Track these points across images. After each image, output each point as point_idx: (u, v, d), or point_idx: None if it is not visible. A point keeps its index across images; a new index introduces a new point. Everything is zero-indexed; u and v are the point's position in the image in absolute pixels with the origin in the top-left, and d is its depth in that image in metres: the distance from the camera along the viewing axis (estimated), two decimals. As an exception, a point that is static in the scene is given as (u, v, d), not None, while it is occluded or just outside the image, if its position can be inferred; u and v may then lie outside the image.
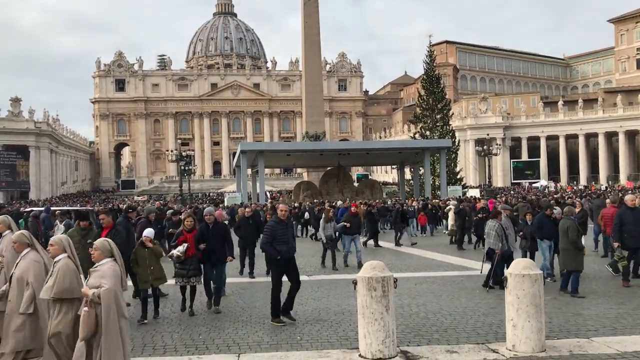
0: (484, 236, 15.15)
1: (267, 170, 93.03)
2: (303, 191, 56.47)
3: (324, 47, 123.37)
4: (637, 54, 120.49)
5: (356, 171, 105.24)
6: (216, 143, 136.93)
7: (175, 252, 11.54)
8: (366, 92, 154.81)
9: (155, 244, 11.62)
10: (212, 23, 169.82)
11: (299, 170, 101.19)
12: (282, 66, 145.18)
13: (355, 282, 8.13)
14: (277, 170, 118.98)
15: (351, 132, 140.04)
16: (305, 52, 68.68)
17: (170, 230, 17.33)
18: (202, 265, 11.86)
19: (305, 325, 10.31)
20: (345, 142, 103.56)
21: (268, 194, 69.77)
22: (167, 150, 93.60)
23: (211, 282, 12.07)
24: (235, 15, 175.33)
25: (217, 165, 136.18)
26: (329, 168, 60.94)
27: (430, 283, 14.75)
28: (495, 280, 13.26)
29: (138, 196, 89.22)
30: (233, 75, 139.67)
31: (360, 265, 15.68)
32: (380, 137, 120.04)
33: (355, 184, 65.24)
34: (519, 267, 8.18)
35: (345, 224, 19.06)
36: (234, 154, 75.09)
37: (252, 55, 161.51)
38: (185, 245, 11.54)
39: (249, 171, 60.50)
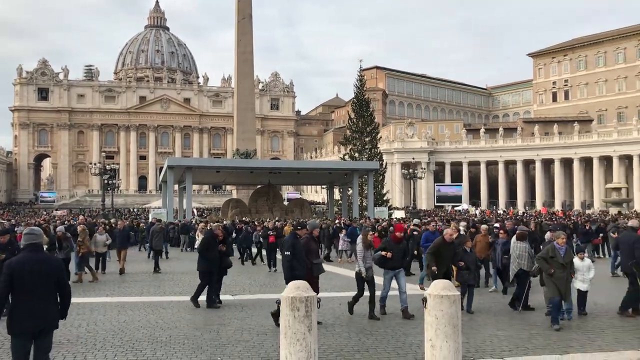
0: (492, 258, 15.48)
1: (195, 187, 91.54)
2: (232, 209, 55.80)
3: (257, 65, 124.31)
4: (554, 87, 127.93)
5: (287, 190, 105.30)
6: (143, 157, 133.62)
7: None
8: (298, 112, 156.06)
9: None
10: (143, 35, 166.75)
11: (228, 187, 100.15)
12: (214, 82, 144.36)
13: (278, 303, 8.10)
14: (206, 187, 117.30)
15: (282, 151, 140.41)
16: (238, 69, 68.52)
17: None
18: None
19: (227, 346, 10.15)
20: (276, 160, 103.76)
21: (195, 211, 68.52)
22: (91, 163, 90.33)
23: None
24: (168, 28, 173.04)
25: (142, 180, 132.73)
26: (259, 186, 60.63)
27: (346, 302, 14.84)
28: (525, 303, 13.38)
29: (57, 210, 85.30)
30: (163, 89, 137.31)
31: (406, 314, 12.62)
32: (311, 157, 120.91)
33: (286, 203, 65.23)
34: (438, 288, 8.40)
35: (384, 253, 12.91)
36: (161, 168, 73.37)
37: (184, 70, 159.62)
38: None
39: (176, 187, 59.24)
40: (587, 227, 27.77)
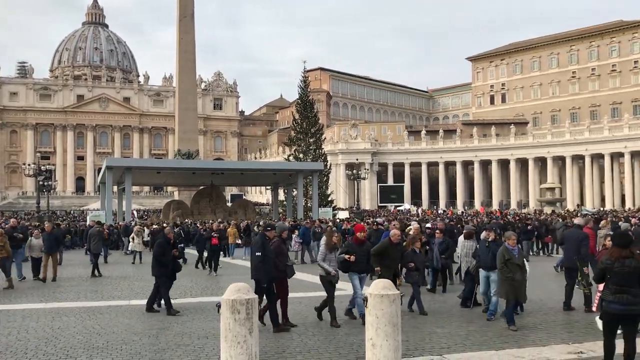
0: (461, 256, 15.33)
1: (135, 188, 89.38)
2: (173, 210, 54.84)
3: (199, 64, 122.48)
4: (491, 90, 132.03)
5: (230, 191, 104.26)
6: (80, 158, 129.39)
7: None
8: (242, 112, 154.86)
9: None
10: (81, 32, 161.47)
11: (170, 188, 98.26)
12: (155, 81, 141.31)
13: (218, 305, 7.99)
14: (147, 188, 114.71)
15: (226, 151, 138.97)
16: (179, 68, 67.40)
17: None
18: None
19: (166, 350, 9.94)
20: (219, 161, 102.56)
21: (135, 212, 66.92)
22: (25, 164, 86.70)
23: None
24: (107, 26, 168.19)
25: (80, 181, 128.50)
26: (201, 187, 59.81)
27: (297, 304, 14.82)
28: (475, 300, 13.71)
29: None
30: (102, 87, 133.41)
31: (350, 315, 12.62)
32: (256, 158, 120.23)
33: (229, 204, 64.59)
34: (378, 288, 8.49)
35: (347, 256, 12.25)
36: (100, 169, 71.24)
37: (124, 69, 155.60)
38: None
39: (116, 188, 57.69)
40: (528, 226, 28.68)
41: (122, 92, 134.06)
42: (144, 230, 32.33)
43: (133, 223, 39.67)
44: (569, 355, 9.20)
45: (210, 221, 36.19)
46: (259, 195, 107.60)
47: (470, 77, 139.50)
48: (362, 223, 18.90)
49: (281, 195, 66.63)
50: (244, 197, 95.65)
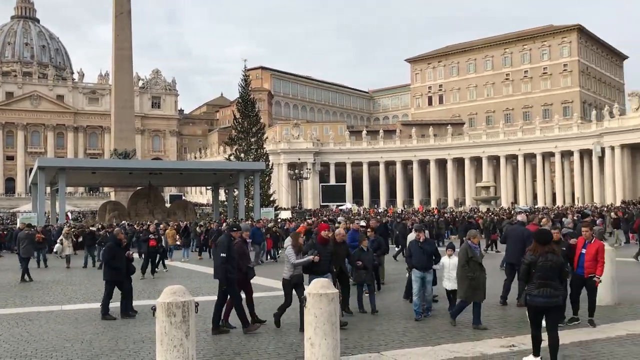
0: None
1: (69, 189, 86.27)
2: (109, 212, 53.33)
3: (137, 62, 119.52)
4: (429, 92, 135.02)
5: (169, 192, 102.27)
6: (10, 157, 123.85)
7: None
8: (181, 111, 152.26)
9: None
10: (9, 26, 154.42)
11: (106, 189, 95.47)
12: (91, 78, 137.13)
13: (154, 309, 7.81)
14: (82, 189, 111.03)
15: (165, 151, 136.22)
16: (115, 66, 65.61)
17: None
18: None
19: (100, 356, 9.64)
20: (158, 161, 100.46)
21: (70, 214, 64.67)
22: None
23: None
24: (38, 20, 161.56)
25: (10, 182, 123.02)
26: (139, 188, 58.41)
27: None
28: None
29: None
30: (33, 84, 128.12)
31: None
32: (196, 158, 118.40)
33: (168, 205, 63.36)
34: (317, 287, 8.52)
35: (312, 257, 11.76)
36: (32, 169, 68.35)
37: (57, 65, 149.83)
38: None
39: (48, 189, 55.55)
40: (471, 223, 29.44)
41: (55, 90, 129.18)
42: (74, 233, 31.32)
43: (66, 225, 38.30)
44: (501, 348, 9.50)
45: (148, 222, 35.35)
46: (199, 195, 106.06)
47: (409, 79, 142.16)
48: (318, 223, 18.02)
49: (222, 196, 65.91)
50: (183, 197, 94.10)
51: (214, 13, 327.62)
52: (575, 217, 26.90)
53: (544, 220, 18.23)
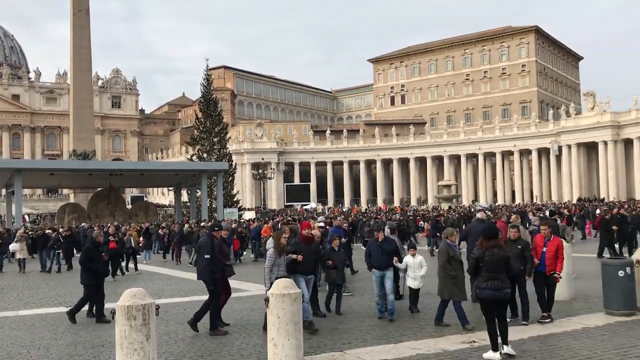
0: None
1: (26, 191, 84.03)
2: (68, 214, 52.23)
3: (96, 61, 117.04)
4: (392, 92, 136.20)
5: (130, 193, 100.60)
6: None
7: None
8: (142, 110, 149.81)
9: None
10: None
11: (65, 191, 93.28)
12: (48, 78, 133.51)
13: (113, 312, 7.68)
14: (40, 191, 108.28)
15: (125, 151, 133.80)
16: (74, 65, 64.20)
17: None
18: None
19: (58, 362, 9.41)
20: (118, 162, 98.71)
21: (27, 217, 62.99)
22: None
23: None
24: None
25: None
26: (99, 189, 57.29)
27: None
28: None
29: None
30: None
31: (310, 326, 10.89)
32: (157, 158, 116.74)
33: (129, 207, 62.33)
34: (280, 287, 8.51)
35: (295, 256, 11.39)
36: (-15, 172, 66.23)
37: (12, 64, 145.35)
38: None
39: (4, 192, 53.98)
40: (438, 220, 29.75)
41: (10, 89, 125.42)
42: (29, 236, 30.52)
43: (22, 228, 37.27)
44: (462, 344, 9.66)
45: (108, 224, 34.72)
46: (162, 196, 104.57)
47: (372, 79, 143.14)
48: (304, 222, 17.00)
49: (185, 197, 65.19)
50: (145, 199, 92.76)
51: (175, 11, 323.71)
52: (542, 215, 27.52)
53: (513, 217, 18.62)
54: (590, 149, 79.28)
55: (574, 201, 67.81)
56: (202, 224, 34.21)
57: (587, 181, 79.92)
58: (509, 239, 11.37)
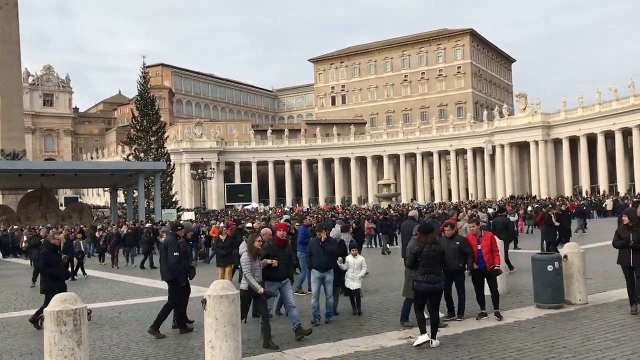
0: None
1: (-51, 193, 79.59)
2: (-4, 217, 49.85)
3: (26, 57, 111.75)
4: (332, 92, 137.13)
5: (64, 194, 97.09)
6: None
7: None
8: (76, 109, 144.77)
9: None
10: None
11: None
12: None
13: (41, 318, 7.38)
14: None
15: (58, 151, 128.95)
16: (1, 61, 61.53)
17: None
18: None
19: (-18, 372, 8.95)
20: (50, 162, 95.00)
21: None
22: None
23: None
24: None
25: None
26: (29, 190, 55.04)
27: (135, 310, 14.24)
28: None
29: None
30: None
31: (301, 332, 10.25)
32: (92, 158, 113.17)
33: (62, 208, 60.17)
34: (217, 289, 8.40)
35: (269, 261, 10.47)
36: None
37: None
38: None
39: None
40: (386, 218, 30.00)
41: None
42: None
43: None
44: (399, 340, 9.82)
45: (40, 227, 33.37)
46: (97, 197, 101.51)
47: (312, 78, 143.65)
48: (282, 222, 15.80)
49: (121, 197, 63.54)
50: (79, 200, 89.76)
51: (111, 6, 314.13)
52: (490, 212, 28.33)
53: (461, 215, 19.24)
54: (522, 148, 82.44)
55: (507, 198, 70.34)
56: (148, 225, 33.61)
57: (519, 179, 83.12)
58: (445, 237, 11.46)
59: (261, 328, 10.07)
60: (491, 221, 20.44)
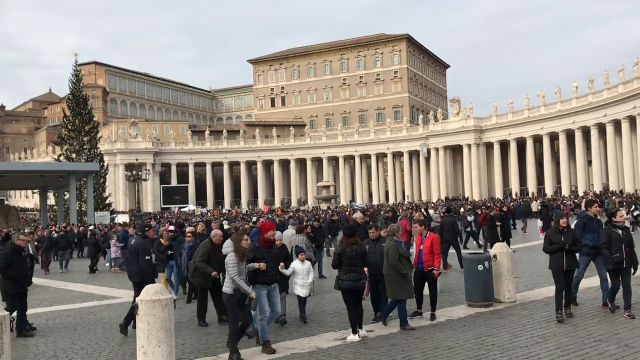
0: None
1: None
2: None
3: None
4: (272, 93, 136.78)
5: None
6: None
7: None
8: (3, 107, 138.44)
9: None
10: None
11: None
12: None
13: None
14: None
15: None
16: None
17: None
18: None
19: None
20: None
21: None
22: None
23: None
24: None
25: None
26: (-51, 192, 51.99)
27: (65, 317, 13.74)
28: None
29: None
30: None
31: (263, 343, 9.49)
32: (20, 158, 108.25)
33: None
34: (150, 293, 8.22)
35: (257, 264, 9.49)
36: None
37: None
38: None
39: None
40: (333, 220, 30.01)
41: None
42: None
43: None
44: (335, 341, 9.91)
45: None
46: (25, 199, 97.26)
47: (251, 79, 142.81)
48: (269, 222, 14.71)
49: (51, 199, 61.16)
50: (5, 202, 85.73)
51: (43, 0, 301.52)
52: (441, 213, 28.89)
53: (416, 214, 19.85)
54: (455, 151, 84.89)
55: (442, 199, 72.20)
56: (91, 228, 32.52)
57: (453, 181, 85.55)
58: (370, 239, 11.40)
59: (228, 338, 9.29)
60: (439, 221, 20.99)
